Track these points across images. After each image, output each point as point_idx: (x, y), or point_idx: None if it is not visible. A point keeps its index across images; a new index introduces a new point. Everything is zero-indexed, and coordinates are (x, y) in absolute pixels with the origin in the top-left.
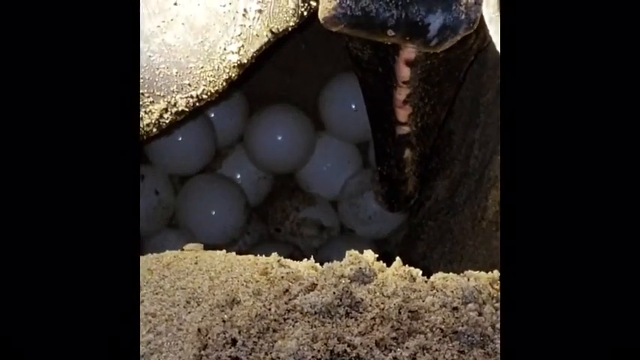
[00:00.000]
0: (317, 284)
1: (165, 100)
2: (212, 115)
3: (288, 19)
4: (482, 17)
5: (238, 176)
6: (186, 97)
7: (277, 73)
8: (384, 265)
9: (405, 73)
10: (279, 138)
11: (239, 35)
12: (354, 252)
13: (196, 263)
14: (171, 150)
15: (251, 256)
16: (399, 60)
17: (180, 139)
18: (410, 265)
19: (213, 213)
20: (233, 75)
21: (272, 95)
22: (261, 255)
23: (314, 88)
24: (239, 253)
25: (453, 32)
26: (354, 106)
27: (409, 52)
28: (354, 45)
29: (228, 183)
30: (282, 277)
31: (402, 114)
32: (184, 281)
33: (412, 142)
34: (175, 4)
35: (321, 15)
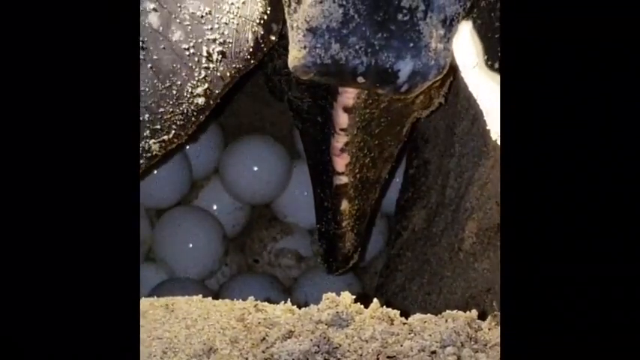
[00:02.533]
0: (294, 331)
1: (140, 145)
2: (187, 147)
3: (249, 57)
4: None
5: (215, 207)
6: (159, 142)
7: (252, 103)
8: (362, 306)
9: (342, 119)
10: (255, 168)
11: (204, 78)
12: (331, 295)
13: (172, 311)
14: (146, 183)
15: (227, 301)
16: (337, 106)
17: (155, 172)
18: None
19: (191, 246)
20: (201, 117)
21: (247, 126)
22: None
23: (289, 118)
24: (215, 295)
25: (423, 78)
26: None
27: (347, 97)
28: (294, 95)
29: (204, 215)
30: (259, 322)
31: (340, 163)
32: (160, 330)
33: (350, 194)
34: (142, 47)
35: (290, 64)
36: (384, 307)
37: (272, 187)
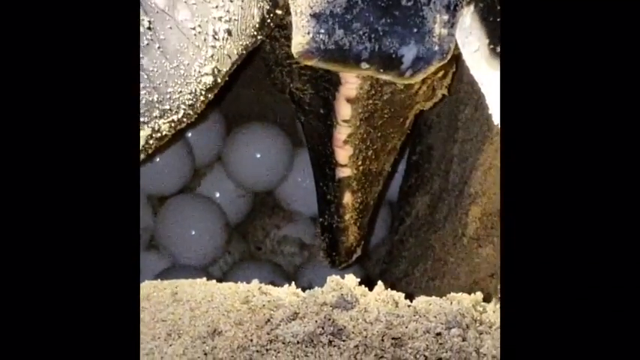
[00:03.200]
0: (299, 313)
1: (150, 126)
2: (190, 134)
3: (256, 33)
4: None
5: (217, 195)
6: (169, 122)
7: (255, 90)
8: (366, 289)
9: (345, 110)
10: (258, 156)
11: (211, 57)
12: (336, 277)
13: (176, 294)
14: (149, 171)
15: (232, 284)
16: (340, 97)
17: (157, 159)
18: (392, 283)
19: (193, 233)
20: (209, 96)
21: (249, 114)
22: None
23: (291, 106)
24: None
25: (427, 63)
26: None
27: (349, 88)
28: (296, 86)
29: (207, 202)
30: (264, 305)
31: (343, 155)
32: (164, 313)
33: (353, 187)
34: (149, 28)
35: (294, 49)
36: (389, 289)
37: (274, 175)
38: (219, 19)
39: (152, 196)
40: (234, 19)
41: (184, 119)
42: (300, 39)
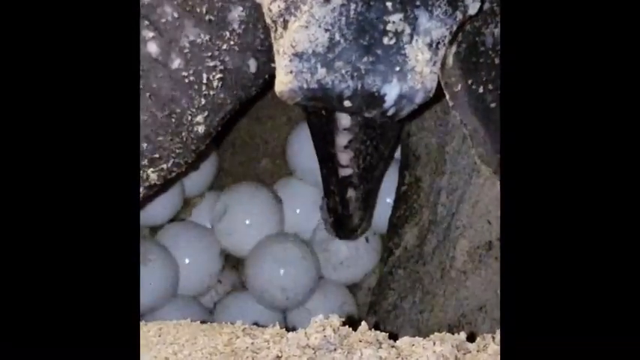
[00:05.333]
0: (281, 356)
1: (139, 171)
2: None
3: (250, 84)
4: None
5: (209, 226)
6: (157, 171)
7: (245, 119)
8: (350, 329)
9: (346, 120)
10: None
11: (204, 105)
12: (320, 318)
13: (160, 336)
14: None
15: (216, 325)
16: None
17: None
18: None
19: (187, 261)
20: (201, 146)
21: (240, 142)
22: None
23: (281, 135)
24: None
25: (410, 101)
26: None
27: None
28: None
29: (201, 229)
30: (247, 347)
31: (344, 158)
32: (147, 357)
33: (355, 183)
34: (140, 76)
35: (277, 88)
36: (373, 329)
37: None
38: (214, 68)
39: (143, 226)
40: (230, 69)
41: (174, 168)
42: (283, 78)
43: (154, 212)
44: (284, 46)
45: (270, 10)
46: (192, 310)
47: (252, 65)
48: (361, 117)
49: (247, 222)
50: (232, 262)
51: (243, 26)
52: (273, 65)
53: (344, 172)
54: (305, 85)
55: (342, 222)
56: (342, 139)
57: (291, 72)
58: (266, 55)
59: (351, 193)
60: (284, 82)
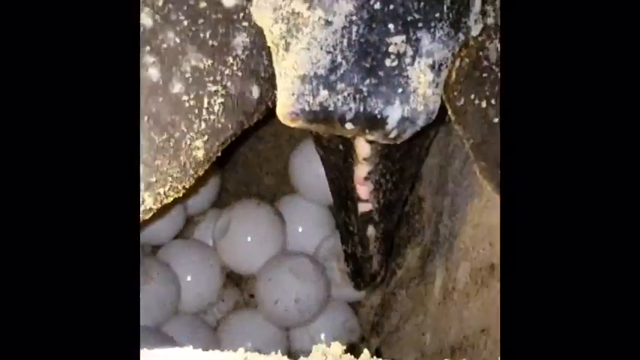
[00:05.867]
0: None
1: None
2: None
3: (253, 110)
4: None
5: (211, 244)
6: (154, 195)
7: (246, 138)
8: (352, 357)
9: (365, 149)
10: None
11: (204, 130)
12: (321, 346)
13: None
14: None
15: (217, 353)
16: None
17: None
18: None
19: (189, 279)
20: (200, 171)
21: (242, 159)
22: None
23: (285, 151)
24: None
25: (412, 124)
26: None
27: None
28: None
29: (203, 247)
30: None
31: (364, 191)
32: None
33: (375, 219)
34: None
35: (279, 111)
36: (374, 357)
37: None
38: (215, 92)
39: (145, 244)
40: (232, 94)
41: (171, 192)
42: (285, 100)
43: (156, 230)
44: (286, 68)
45: (272, 33)
46: (194, 328)
47: (255, 91)
48: (380, 146)
49: (249, 240)
50: (235, 280)
51: (246, 52)
52: (276, 92)
53: (364, 208)
54: (307, 108)
55: (362, 267)
56: (361, 171)
57: (293, 94)
58: (269, 82)
59: (371, 230)
60: (286, 104)
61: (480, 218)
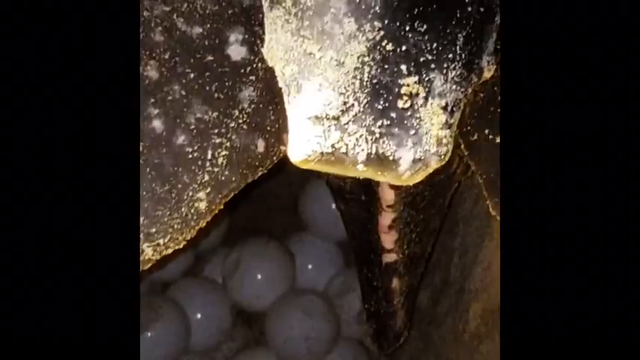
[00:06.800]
0: None
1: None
2: None
3: (258, 164)
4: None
5: (220, 281)
6: (153, 246)
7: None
8: None
9: (389, 196)
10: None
11: (207, 182)
12: None
13: None
14: None
15: None
16: (383, 183)
17: None
18: None
19: (199, 316)
20: (201, 223)
21: (252, 196)
22: None
23: (294, 188)
24: None
25: (425, 165)
26: (334, 206)
27: None
28: (335, 175)
29: (212, 285)
30: None
31: (388, 240)
32: None
33: (400, 271)
34: (142, 152)
35: (290, 153)
36: None
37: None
38: (220, 144)
39: (155, 282)
40: (236, 147)
41: (170, 244)
42: (296, 142)
43: (166, 268)
44: (297, 108)
45: (284, 74)
46: None
47: (261, 145)
48: (404, 193)
49: (259, 277)
50: (244, 318)
51: (253, 106)
52: (282, 147)
53: (388, 258)
54: (318, 149)
55: (385, 325)
56: (386, 219)
57: (304, 136)
58: (275, 136)
59: (395, 283)
60: (297, 146)
61: (491, 259)
